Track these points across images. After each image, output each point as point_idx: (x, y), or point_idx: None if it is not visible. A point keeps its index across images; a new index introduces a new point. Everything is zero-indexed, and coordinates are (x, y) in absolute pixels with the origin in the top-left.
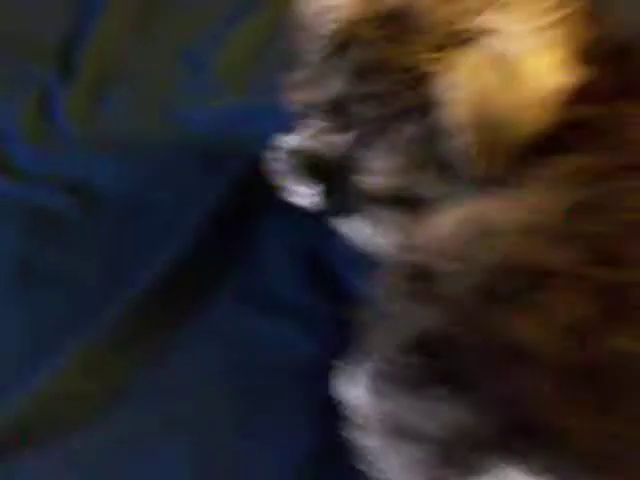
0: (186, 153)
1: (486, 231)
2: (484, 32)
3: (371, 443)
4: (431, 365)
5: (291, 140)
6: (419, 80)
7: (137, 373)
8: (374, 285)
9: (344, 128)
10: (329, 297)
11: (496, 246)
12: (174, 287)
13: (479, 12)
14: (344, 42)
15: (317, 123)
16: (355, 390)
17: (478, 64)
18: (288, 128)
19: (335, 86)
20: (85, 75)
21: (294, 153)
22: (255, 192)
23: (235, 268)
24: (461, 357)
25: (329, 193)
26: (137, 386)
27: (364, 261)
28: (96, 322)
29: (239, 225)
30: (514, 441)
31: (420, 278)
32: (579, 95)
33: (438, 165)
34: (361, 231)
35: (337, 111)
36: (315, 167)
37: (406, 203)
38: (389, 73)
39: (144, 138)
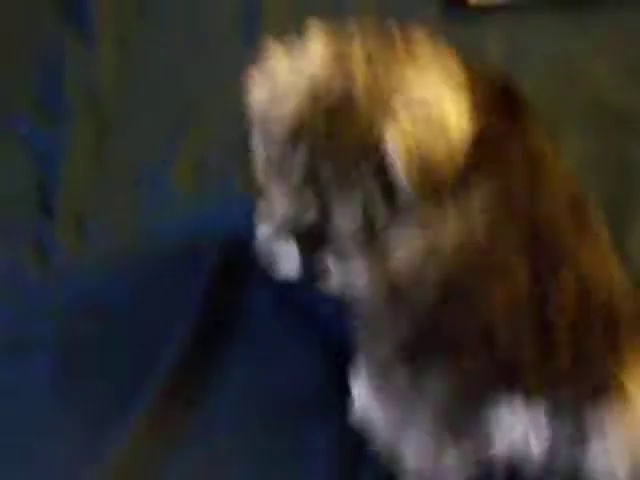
0: (164, 261)
1: (431, 254)
2: (411, 99)
3: (387, 433)
4: (421, 356)
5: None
6: (371, 145)
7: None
8: (357, 316)
9: (314, 198)
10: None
11: (441, 264)
12: (196, 357)
13: (403, 84)
14: (299, 131)
15: (289, 200)
16: (364, 398)
17: (414, 122)
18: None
19: (299, 169)
20: (65, 214)
21: (278, 231)
22: (235, 271)
23: (235, 332)
24: (445, 341)
25: (312, 251)
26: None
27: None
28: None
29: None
30: (508, 381)
31: (392, 300)
32: (483, 134)
33: (392, 206)
34: (340, 277)
35: (306, 186)
36: (298, 235)
37: (372, 242)
38: (345, 144)
39: (126, 256)
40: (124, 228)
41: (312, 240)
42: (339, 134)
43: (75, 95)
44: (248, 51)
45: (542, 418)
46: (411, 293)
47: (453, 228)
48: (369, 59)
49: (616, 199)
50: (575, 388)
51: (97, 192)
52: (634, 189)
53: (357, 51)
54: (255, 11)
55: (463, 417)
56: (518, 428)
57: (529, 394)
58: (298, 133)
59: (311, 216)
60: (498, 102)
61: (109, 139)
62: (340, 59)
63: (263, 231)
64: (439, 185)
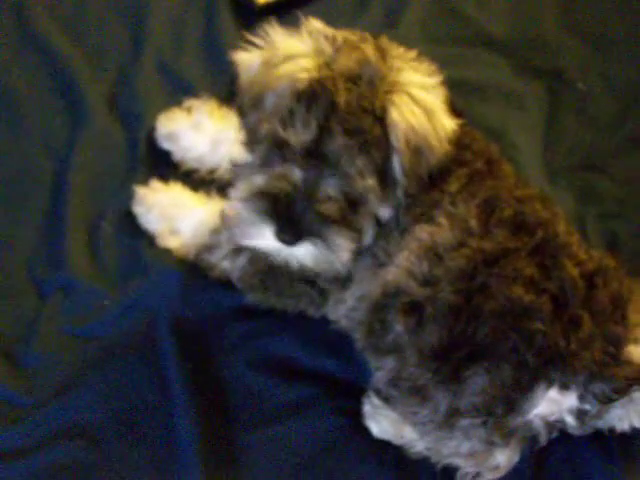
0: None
1: (437, 256)
2: (407, 83)
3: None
4: (457, 360)
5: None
6: (375, 116)
7: None
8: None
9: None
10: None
11: (449, 265)
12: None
13: (400, 70)
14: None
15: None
16: (388, 426)
17: (410, 104)
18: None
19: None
20: None
21: (254, 198)
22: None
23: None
24: (476, 339)
25: (287, 223)
26: None
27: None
28: None
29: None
30: (543, 369)
31: (411, 312)
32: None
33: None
34: (316, 256)
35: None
36: (274, 203)
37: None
38: (353, 113)
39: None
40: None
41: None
42: (353, 101)
43: None
44: None
45: (575, 403)
46: (426, 298)
47: (447, 228)
48: (377, 47)
49: None
50: (602, 371)
51: None
52: None
53: (359, 38)
54: None
55: (506, 412)
56: (555, 414)
57: (565, 384)
58: (313, 93)
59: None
60: None
61: None
62: (347, 41)
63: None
64: (429, 168)
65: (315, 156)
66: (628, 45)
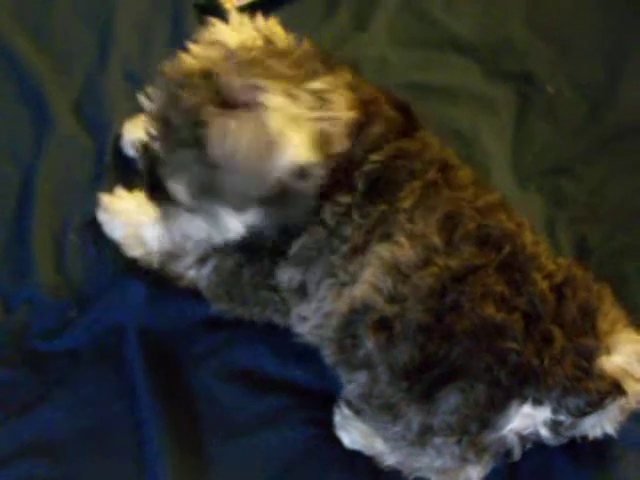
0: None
1: (401, 274)
2: (257, 104)
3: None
4: (430, 379)
5: None
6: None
7: None
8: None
9: None
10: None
11: (417, 283)
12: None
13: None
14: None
15: None
16: (359, 438)
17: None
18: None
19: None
20: None
21: None
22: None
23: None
24: (449, 359)
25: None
26: None
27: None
28: None
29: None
30: (517, 386)
31: (380, 329)
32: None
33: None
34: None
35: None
36: None
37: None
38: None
39: None
40: None
41: None
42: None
43: None
44: None
45: (549, 415)
46: (394, 315)
47: (408, 247)
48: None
49: None
50: (575, 386)
51: None
52: None
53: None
54: None
55: (480, 430)
56: (529, 428)
57: (538, 400)
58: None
59: None
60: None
61: None
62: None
63: None
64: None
65: None
66: (595, 47)
